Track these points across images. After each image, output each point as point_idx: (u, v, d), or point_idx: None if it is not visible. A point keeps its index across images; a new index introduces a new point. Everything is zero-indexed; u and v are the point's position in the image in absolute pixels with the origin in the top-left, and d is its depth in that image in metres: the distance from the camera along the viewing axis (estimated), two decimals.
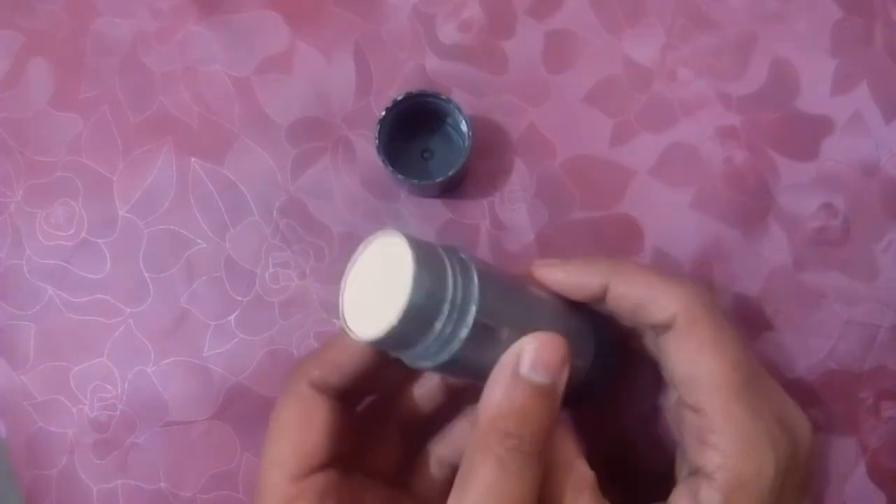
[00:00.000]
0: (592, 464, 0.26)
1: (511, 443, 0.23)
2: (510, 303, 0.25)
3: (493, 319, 0.23)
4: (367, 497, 0.28)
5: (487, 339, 0.24)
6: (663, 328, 0.26)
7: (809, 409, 0.35)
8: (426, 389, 0.31)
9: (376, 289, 0.23)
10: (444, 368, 0.23)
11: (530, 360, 0.23)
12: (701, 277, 0.36)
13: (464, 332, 0.23)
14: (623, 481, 0.27)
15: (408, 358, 0.24)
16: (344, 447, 0.28)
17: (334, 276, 0.36)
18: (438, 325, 0.22)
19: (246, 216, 0.37)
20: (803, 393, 0.35)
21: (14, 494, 0.36)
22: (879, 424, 0.35)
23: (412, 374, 0.31)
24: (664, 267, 0.36)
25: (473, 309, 0.23)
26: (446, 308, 0.22)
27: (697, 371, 0.25)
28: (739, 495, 0.24)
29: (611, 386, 0.30)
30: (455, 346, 0.23)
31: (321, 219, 0.37)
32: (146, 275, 0.37)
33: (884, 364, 0.35)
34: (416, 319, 0.22)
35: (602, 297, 0.27)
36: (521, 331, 0.24)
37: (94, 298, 0.37)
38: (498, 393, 0.23)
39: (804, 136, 0.37)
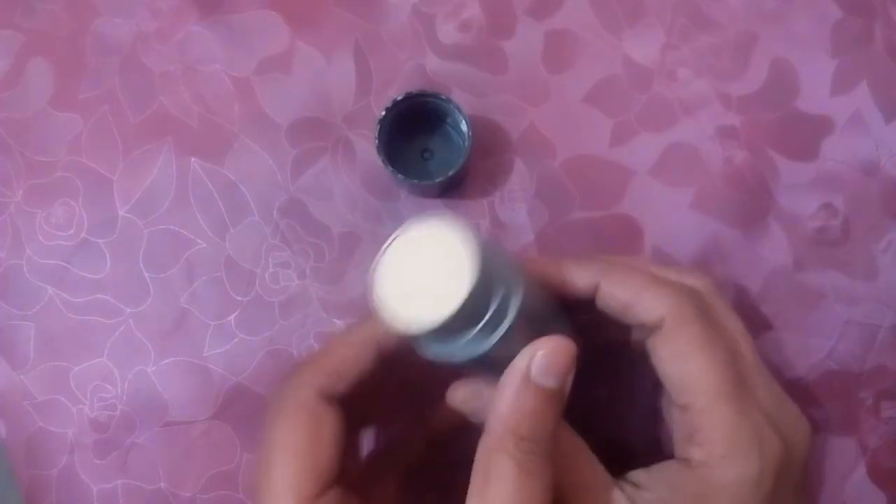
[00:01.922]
0: None
1: (526, 446, 0.23)
2: (537, 299, 0.25)
3: (528, 313, 0.24)
4: None
5: (520, 333, 0.24)
6: (652, 329, 0.26)
7: (809, 409, 0.35)
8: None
9: (423, 277, 0.22)
10: (476, 363, 0.24)
11: (541, 364, 0.24)
12: None
13: (505, 325, 0.23)
14: (621, 473, 0.28)
15: (442, 351, 0.24)
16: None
17: (334, 276, 0.36)
18: (487, 315, 0.22)
19: (246, 216, 0.37)
20: (803, 393, 0.35)
21: (14, 494, 0.36)
22: (879, 424, 0.35)
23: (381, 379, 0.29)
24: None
25: (515, 302, 0.23)
26: (495, 299, 0.23)
27: (685, 372, 0.26)
28: (717, 494, 0.25)
29: (600, 377, 0.31)
30: (494, 339, 0.23)
31: (321, 219, 0.37)
32: (146, 275, 0.37)
33: (884, 364, 0.35)
34: (475, 304, 0.22)
35: (592, 295, 0.28)
36: (542, 328, 0.24)
37: (94, 298, 0.37)
38: (510, 397, 0.24)
39: (804, 136, 0.37)
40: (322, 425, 0.25)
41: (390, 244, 0.23)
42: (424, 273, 0.22)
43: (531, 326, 0.24)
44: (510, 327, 0.23)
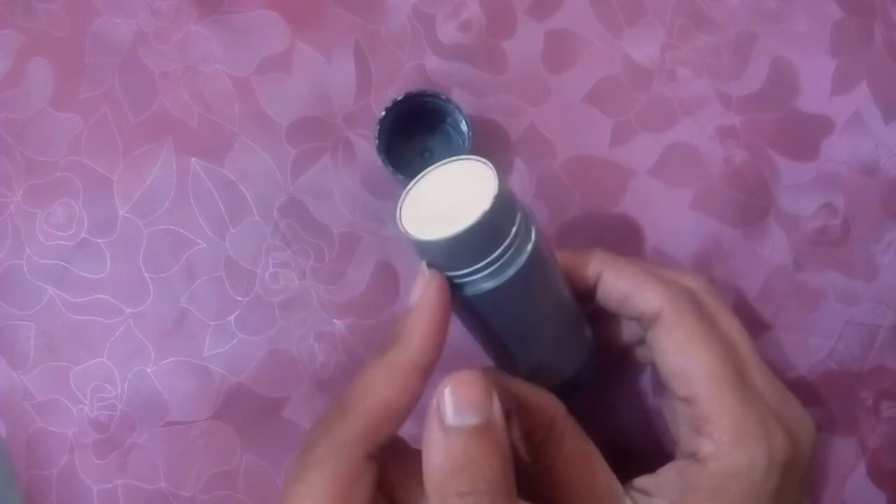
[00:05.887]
0: None
1: (470, 501, 0.20)
2: (550, 256, 0.26)
3: (545, 249, 0.25)
4: None
5: (542, 264, 0.24)
6: (651, 320, 0.27)
7: (809, 409, 0.35)
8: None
9: (450, 200, 0.24)
10: (506, 289, 0.24)
11: (452, 405, 0.21)
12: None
13: (528, 246, 0.23)
14: (622, 480, 0.27)
15: (474, 278, 0.24)
16: None
17: (334, 276, 0.36)
18: (512, 230, 0.23)
19: (246, 216, 0.37)
20: (803, 393, 0.35)
21: (14, 494, 0.36)
22: (879, 424, 0.35)
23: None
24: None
25: (534, 228, 0.24)
26: (517, 217, 0.23)
27: (688, 361, 0.26)
28: (730, 484, 0.24)
29: (600, 380, 0.31)
30: (522, 259, 0.23)
31: (321, 219, 0.37)
32: (146, 275, 0.37)
33: (884, 364, 0.35)
34: (501, 214, 0.23)
35: (594, 285, 0.28)
36: (559, 277, 0.26)
37: (94, 298, 0.37)
38: (435, 453, 0.21)
39: (804, 136, 0.37)
40: (361, 487, 0.22)
41: (421, 177, 0.25)
42: (450, 198, 0.24)
43: (543, 277, 0.25)
44: (524, 265, 0.23)
